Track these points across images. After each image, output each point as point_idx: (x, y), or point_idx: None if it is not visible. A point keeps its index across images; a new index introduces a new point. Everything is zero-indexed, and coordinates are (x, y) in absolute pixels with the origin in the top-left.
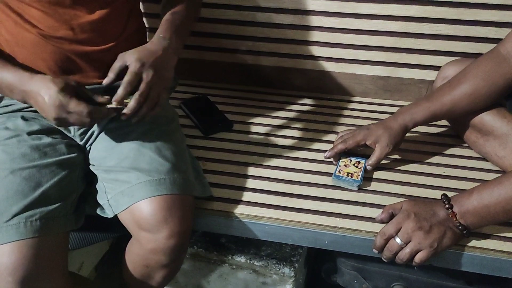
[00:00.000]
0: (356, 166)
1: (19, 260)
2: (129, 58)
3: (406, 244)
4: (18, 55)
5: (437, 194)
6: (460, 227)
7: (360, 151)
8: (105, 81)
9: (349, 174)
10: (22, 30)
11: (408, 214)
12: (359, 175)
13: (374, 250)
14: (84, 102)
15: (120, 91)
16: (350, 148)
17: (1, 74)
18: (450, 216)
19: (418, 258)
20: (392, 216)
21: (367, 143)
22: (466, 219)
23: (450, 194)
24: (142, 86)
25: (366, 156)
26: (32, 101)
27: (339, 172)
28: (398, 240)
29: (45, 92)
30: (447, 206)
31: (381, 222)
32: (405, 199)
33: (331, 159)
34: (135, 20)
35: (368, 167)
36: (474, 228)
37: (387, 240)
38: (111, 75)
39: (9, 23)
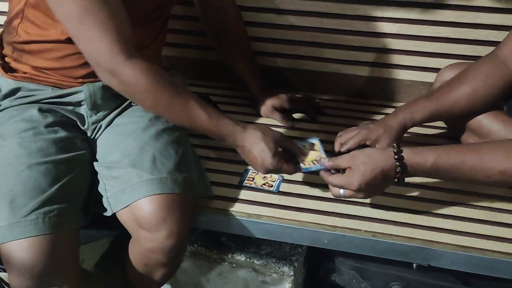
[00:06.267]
0: (315, 150)
1: (37, 256)
2: None
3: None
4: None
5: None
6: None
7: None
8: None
9: (315, 162)
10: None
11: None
12: (323, 156)
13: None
14: (292, 164)
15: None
16: (352, 149)
17: (218, 124)
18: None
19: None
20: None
21: (367, 143)
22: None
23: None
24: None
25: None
26: (244, 155)
27: (303, 164)
28: (341, 192)
29: (259, 155)
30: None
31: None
32: (352, 153)
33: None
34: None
35: None
36: None
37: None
38: None
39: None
